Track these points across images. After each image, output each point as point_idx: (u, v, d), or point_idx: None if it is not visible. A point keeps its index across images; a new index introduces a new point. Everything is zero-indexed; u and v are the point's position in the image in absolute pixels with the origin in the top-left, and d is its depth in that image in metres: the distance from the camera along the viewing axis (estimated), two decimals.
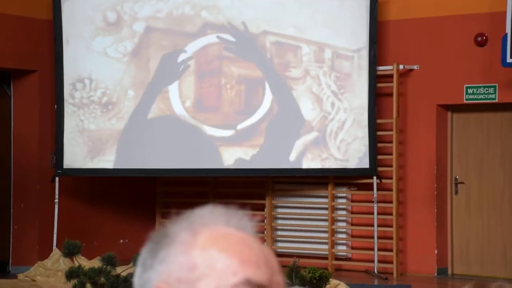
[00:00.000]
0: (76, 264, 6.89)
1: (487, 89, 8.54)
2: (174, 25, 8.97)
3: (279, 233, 9.50)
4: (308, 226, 9.31)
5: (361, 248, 9.13)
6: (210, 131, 8.95)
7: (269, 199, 9.37)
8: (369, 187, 8.88)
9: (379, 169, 8.81)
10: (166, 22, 8.98)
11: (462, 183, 8.93)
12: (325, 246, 9.11)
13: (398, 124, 8.84)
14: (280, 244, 9.43)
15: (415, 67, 8.90)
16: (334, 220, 9.16)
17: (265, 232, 9.36)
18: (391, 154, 8.82)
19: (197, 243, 1.06)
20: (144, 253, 1.09)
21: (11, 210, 9.06)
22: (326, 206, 9.14)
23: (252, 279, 1.04)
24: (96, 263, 7.05)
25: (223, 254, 1.05)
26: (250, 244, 1.07)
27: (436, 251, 8.79)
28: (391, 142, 8.84)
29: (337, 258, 9.16)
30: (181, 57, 8.93)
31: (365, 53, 8.70)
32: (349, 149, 8.77)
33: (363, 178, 8.95)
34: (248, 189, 9.47)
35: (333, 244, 9.10)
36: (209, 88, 8.99)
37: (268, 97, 8.88)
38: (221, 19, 8.91)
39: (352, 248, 9.22)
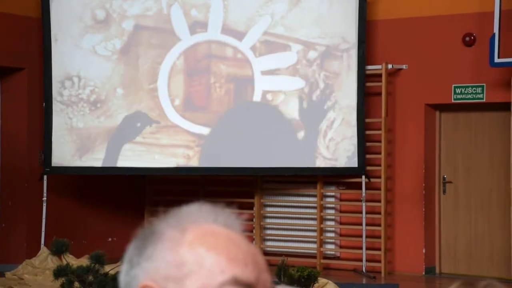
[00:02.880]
0: (64, 262, 6.87)
1: (475, 89, 8.58)
2: (163, 23, 8.97)
3: (268, 232, 9.51)
4: (296, 225, 9.33)
5: (349, 247, 9.15)
6: (199, 130, 8.95)
7: (258, 198, 9.38)
8: (357, 186, 8.90)
9: (368, 168, 8.83)
10: (155, 20, 8.97)
11: (450, 182, 8.96)
12: (314, 245, 9.13)
13: (386, 124, 8.86)
14: (268, 243, 9.44)
15: (403, 66, 8.93)
16: (322, 219, 9.17)
17: (254, 231, 9.37)
18: (380, 153, 8.84)
19: (185, 240, 1.06)
20: (130, 250, 1.09)
21: None
22: (315, 205, 9.15)
23: (239, 277, 1.04)
24: (84, 261, 7.03)
25: (211, 251, 1.05)
26: (238, 242, 1.07)
27: (424, 250, 8.83)
28: (379, 141, 8.86)
29: (326, 257, 9.18)
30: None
31: (354, 53, 8.71)
32: (338, 148, 8.78)
33: (351, 177, 8.97)
34: (237, 188, 9.48)
35: (322, 243, 9.12)
36: (198, 87, 8.98)
37: (257, 95, 8.89)
38: (210, 18, 8.91)
39: (341, 247, 9.24)
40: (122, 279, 1.09)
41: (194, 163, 8.95)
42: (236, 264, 1.04)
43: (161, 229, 1.08)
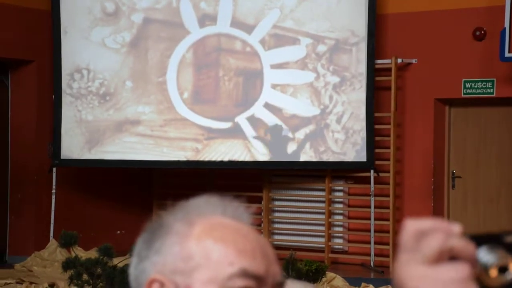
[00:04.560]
0: (73, 254, 6.89)
1: (485, 83, 8.54)
2: (173, 16, 8.96)
3: (276, 225, 9.50)
4: (305, 219, 9.32)
5: (357, 241, 9.14)
6: (208, 123, 8.95)
7: (266, 192, 9.38)
8: (366, 180, 8.88)
9: (377, 162, 8.81)
10: (165, 13, 8.97)
11: (459, 177, 8.94)
12: (322, 239, 9.12)
13: (395, 118, 8.83)
14: (276, 237, 9.44)
15: (413, 61, 8.89)
16: (331, 213, 9.16)
17: (262, 225, 9.37)
18: (389, 147, 8.82)
19: (192, 233, 1.06)
20: (139, 243, 1.09)
21: (8, 200, 9.06)
22: (323, 199, 9.14)
23: (248, 269, 1.04)
24: (93, 254, 7.05)
25: (219, 244, 1.04)
26: (247, 234, 1.07)
27: None
28: (388, 135, 8.83)
29: (334, 251, 9.17)
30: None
31: (363, 46, 8.69)
32: (346, 142, 8.77)
33: (360, 171, 8.95)
34: (245, 182, 9.47)
35: (330, 237, 9.11)
36: (207, 80, 8.98)
37: (266, 89, 8.87)
38: (219, 11, 8.90)
39: (349, 241, 9.23)
40: (131, 272, 1.09)
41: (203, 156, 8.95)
42: (244, 256, 1.04)
43: (169, 222, 1.07)
